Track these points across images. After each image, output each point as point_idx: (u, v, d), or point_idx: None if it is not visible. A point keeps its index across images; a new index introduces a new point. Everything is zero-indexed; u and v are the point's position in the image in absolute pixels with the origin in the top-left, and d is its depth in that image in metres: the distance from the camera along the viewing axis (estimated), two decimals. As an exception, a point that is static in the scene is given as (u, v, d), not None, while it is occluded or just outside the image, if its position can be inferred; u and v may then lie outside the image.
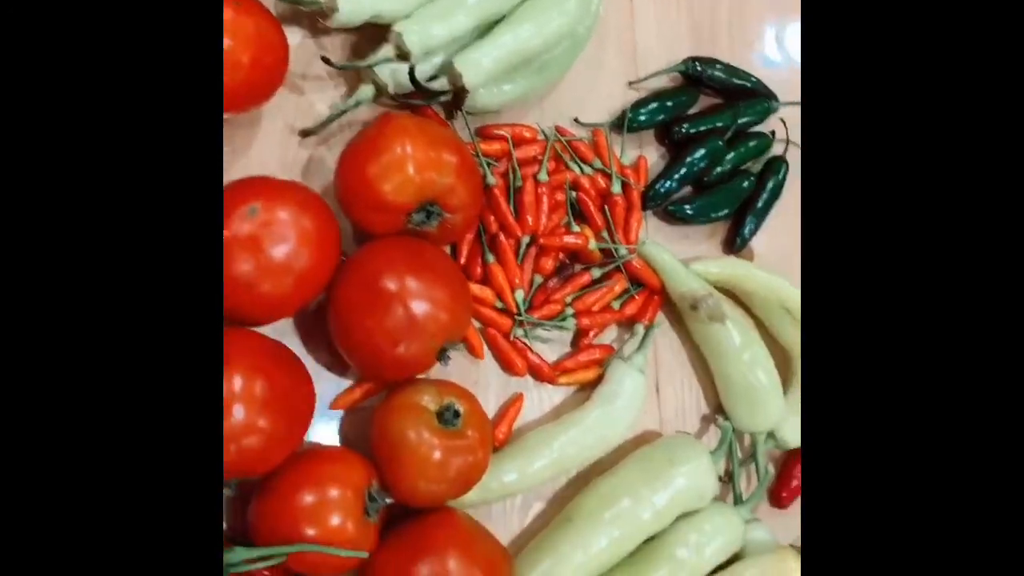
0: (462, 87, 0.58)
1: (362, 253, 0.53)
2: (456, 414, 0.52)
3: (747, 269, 0.69)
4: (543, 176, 0.62)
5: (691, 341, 0.69)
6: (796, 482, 0.69)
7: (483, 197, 0.59)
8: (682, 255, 0.67)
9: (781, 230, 0.73)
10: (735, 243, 0.71)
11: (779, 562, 0.61)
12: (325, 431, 0.57)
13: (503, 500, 0.61)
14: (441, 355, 0.53)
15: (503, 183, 0.62)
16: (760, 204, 0.71)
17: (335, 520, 0.49)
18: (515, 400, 0.62)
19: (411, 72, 0.56)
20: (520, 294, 0.61)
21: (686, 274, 0.66)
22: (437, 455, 0.51)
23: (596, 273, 0.64)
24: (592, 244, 0.63)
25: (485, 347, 0.61)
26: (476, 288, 0.60)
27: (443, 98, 0.60)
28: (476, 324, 0.61)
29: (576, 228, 0.63)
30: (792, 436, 0.68)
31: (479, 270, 0.61)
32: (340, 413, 0.58)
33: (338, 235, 0.53)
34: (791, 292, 0.68)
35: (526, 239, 0.61)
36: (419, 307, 0.51)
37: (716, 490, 0.63)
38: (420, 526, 0.52)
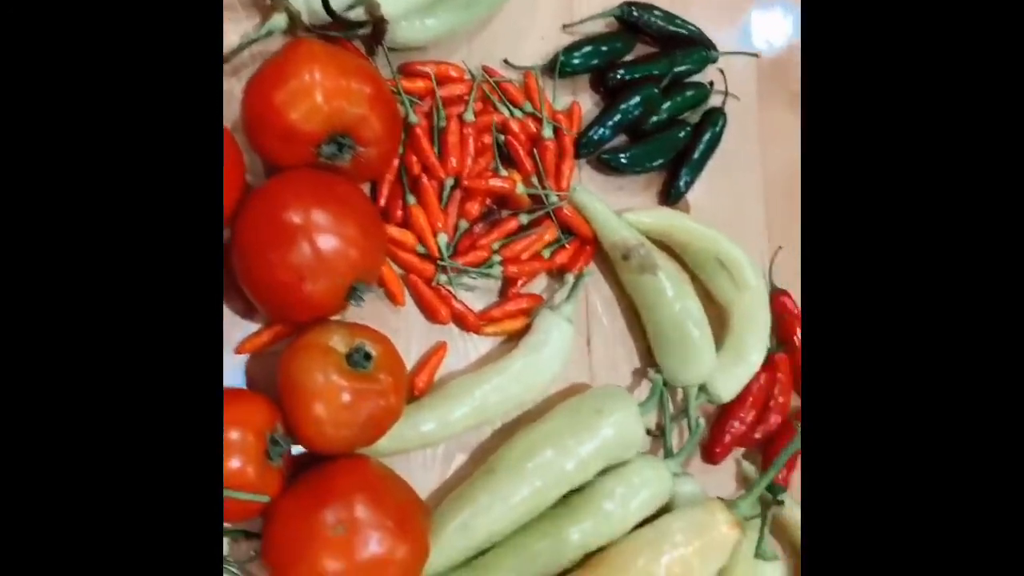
0: (380, 17, 0.55)
1: (267, 186, 0.50)
2: (367, 356, 0.50)
3: (682, 220, 0.67)
4: (469, 116, 0.60)
5: (623, 293, 0.67)
6: (728, 437, 0.69)
7: (401, 133, 0.56)
8: (616, 206, 0.66)
9: (718, 184, 0.72)
10: (670, 195, 0.69)
11: (707, 514, 0.60)
12: (231, 379, 0.54)
13: (424, 451, 0.59)
14: (352, 295, 0.50)
15: (426, 123, 0.59)
16: (696, 156, 0.70)
17: (234, 463, 0.46)
18: (437, 349, 0.59)
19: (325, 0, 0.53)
20: (443, 238, 0.58)
21: (618, 223, 0.64)
22: (345, 397, 0.48)
23: (524, 219, 0.62)
24: (520, 188, 0.61)
25: (407, 294, 0.59)
26: (396, 231, 0.58)
27: (362, 31, 0.57)
28: (397, 270, 0.59)
29: (504, 172, 0.61)
30: (725, 390, 0.67)
31: (399, 213, 0.58)
32: (246, 358, 0.55)
33: (242, 167, 0.50)
34: (726, 245, 0.67)
35: (450, 181, 0.59)
36: (326, 242, 0.48)
37: (643, 442, 0.62)
38: (327, 472, 0.50)
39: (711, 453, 0.69)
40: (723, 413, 0.70)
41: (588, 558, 0.58)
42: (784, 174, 0.75)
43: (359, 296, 0.50)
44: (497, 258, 0.61)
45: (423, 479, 0.58)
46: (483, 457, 0.59)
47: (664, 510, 0.61)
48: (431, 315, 0.59)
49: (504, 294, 0.63)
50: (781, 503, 0.67)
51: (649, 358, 0.67)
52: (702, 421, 0.66)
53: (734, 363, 0.67)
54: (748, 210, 0.74)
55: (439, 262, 0.59)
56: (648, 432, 0.67)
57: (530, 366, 0.59)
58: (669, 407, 0.67)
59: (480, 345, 0.62)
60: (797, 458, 0.70)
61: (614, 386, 0.64)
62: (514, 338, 0.62)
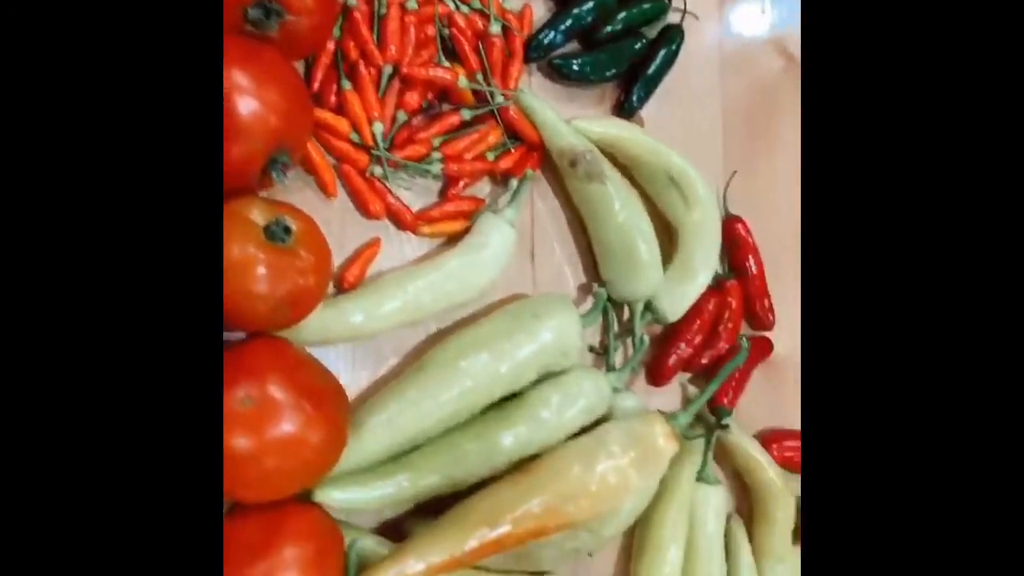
0: None
1: (186, 46, 0.48)
2: (286, 230, 0.47)
3: (632, 132, 0.65)
4: (411, 5, 0.57)
5: (571, 205, 0.65)
6: (674, 359, 0.67)
7: (336, 10, 0.53)
8: (567, 117, 0.63)
9: (674, 105, 0.70)
10: (623, 110, 0.67)
11: (644, 425, 0.58)
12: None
13: (353, 350, 0.57)
14: (272, 167, 0.48)
15: (367, 9, 0.57)
16: (651, 71, 0.68)
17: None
18: (370, 244, 0.57)
19: None
20: (379, 127, 0.56)
21: (566, 129, 0.62)
22: (261, 270, 0.46)
23: (467, 115, 0.59)
24: (463, 82, 0.58)
25: (339, 185, 0.57)
26: (329, 116, 0.55)
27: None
28: (331, 160, 0.57)
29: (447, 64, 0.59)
30: (671, 309, 0.66)
31: (333, 98, 0.55)
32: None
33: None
34: (678, 162, 0.65)
35: (388, 69, 0.56)
36: (244, 104, 0.45)
37: (582, 353, 0.60)
38: (242, 349, 0.47)
39: (656, 375, 0.67)
40: (669, 335, 0.68)
41: (521, 464, 0.56)
42: (744, 104, 0.74)
43: (280, 170, 0.48)
44: (437, 155, 0.58)
45: (353, 377, 0.56)
46: (416, 359, 0.57)
47: (602, 422, 0.60)
48: (363, 207, 0.57)
49: (444, 196, 0.60)
50: (725, 427, 0.66)
51: (595, 274, 0.65)
52: (646, 338, 0.65)
53: (681, 281, 0.66)
54: (704, 135, 0.72)
55: (374, 152, 0.56)
56: (591, 349, 0.66)
57: (467, 266, 0.57)
58: (614, 325, 0.65)
59: (417, 248, 0.60)
60: (744, 380, 0.68)
61: (555, 293, 0.62)
62: (452, 242, 0.60)
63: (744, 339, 0.64)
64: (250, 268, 0.45)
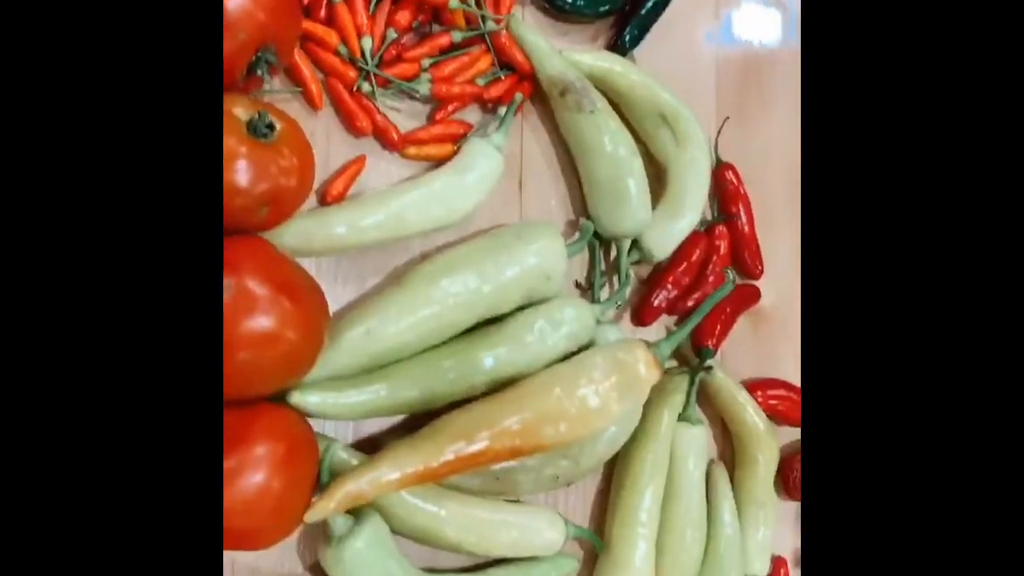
0: None
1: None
2: (270, 126, 0.47)
3: (624, 66, 0.65)
4: (404, -78, 0.57)
5: (560, 140, 0.65)
6: (660, 300, 0.67)
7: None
8: (559, 52, 0.63)
9: (668, 48, 0.69)
10: (616, 48, 0.67)
11: (626, 352, 0.57)
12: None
13: (336, 267, 0.56)
14: (258, 64, 0.47)
15: (359, -76, 0.57)
16: (646, 10, 0.67)
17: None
18: (355, 161, 0.57)
19: None
20: (368, 42, 0.55)
21: (558, 58, 0.62)
22: (241, 163, 0.45)
23: (458, 37, 0.59)
24: (454, 3, 0.58)
25: (325, 99, 0.56)
26: (318, 27, 0.55)
27: None
28: (318, 74, 0.56)
29: (438, -14, 0.58)
30: (658, 248, 0.65)
31: (323, 12, 0.55)
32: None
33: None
34: (669, 99, 0.65)
35: (379, -15, 0.56)
36: (231, -3, 0.45)
37: (566, 282, 0.59)
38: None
39: (641, 314, 0.67)
40: (656, 276, 0.68)
41: (501, 388, 0.56)
42: (740, 52, 0.74)
43: (266, 69, 0.48)
44: (427, 76, 0.58)
45: (334, 294, 0.56)
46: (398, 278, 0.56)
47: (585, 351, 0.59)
48: (350, 123, 0.56)
49: (432, 120, 0.60)
50: (709, 368, 0.66)
51: (583, 211, 0.65)
52: (632, 273, 0.64)
53: (669, 220, 0.65)
54: (698, 80, 0.72)
55: (362, 67, 0.56)
56: (577, 285, 0.65)
57: (453, 187, 0.57)
58: (599, 261, 0.65)
59: (403, 170, 0.59)
60: (729, 324, 0.68)
61: (540, 220, 0.61)
62: (439, 166, 0.59)
63: (730, 271, 0.64)
64: (230, 160, 0.45)
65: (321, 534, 0.51)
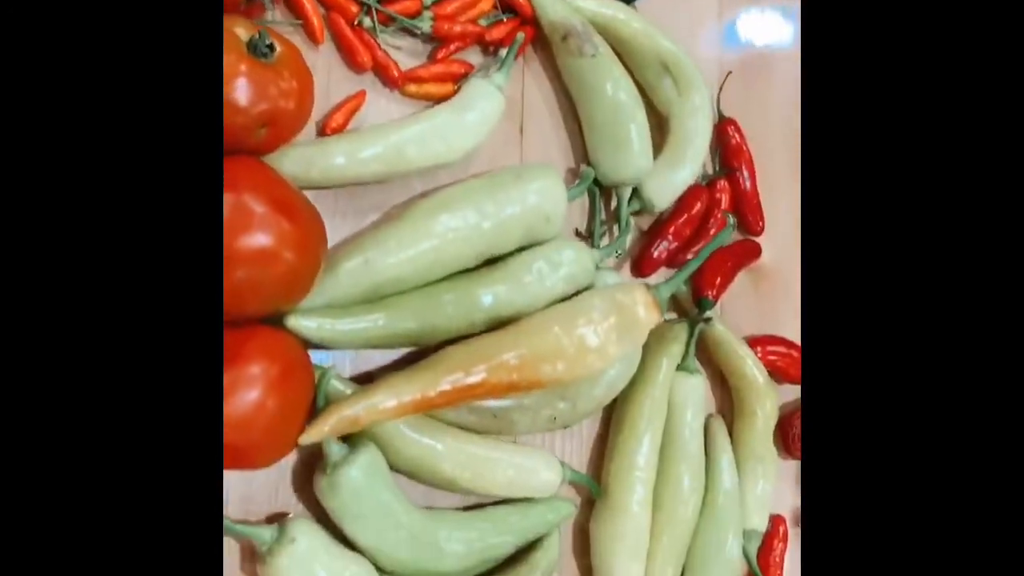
0: None
1: None
2: (270, 47, 0.47)
3: (627, 12, 0.65)
4: None
5: (562, 87, 0.64)
6: (660, 251, 0.66)
7: None
8: (561, 1, 0.63)
9: (670, 1, 0.69)
10: (620, -1, 0.67)
11: (626, 294, 0.57)
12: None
13: (336, 201, 0.56)
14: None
15: None
16: (649, -39, 0.67)
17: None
18: (355, 95, 0.56)
19: None
20: (370, -24, 0.55)
21: (561, 3, 0.62)
22: (240, 81, 0.45)
23: (459, -25, 0.59)
24: (457, -59, 0.58)
25: (326, 33, 0.56)
26: (320, -40, 0.55)
27: None
28: (320, 10, 0.56)
29: (441, -76, 0.58)
30: (658, 197, 0.65)
31: (326, -56, 0.55)
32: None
33: None
34: (671, 47, 0.65)
35: (381, -81, 0.56)
36: (231, -89, 0.45)
37: (566, 227, 0.59)
38: (216, 163, 0.46)
39: (641, 265, 0.66)
40: (656, 227, 0.67)
41: (500, 326, 0.55)
42: (745, 7, 0.73)
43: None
44: (428, 14, 0.58)
45: (333, 227, 0.55)
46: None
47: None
48: (350, 58, 0.56)
49: (433, 59, 0.60)
50: (708, 320, 0.65)
51: (585, 158, 0.65)
52: (632, 220, 0.64)
53: (670, 169, 0.65)
54: (700, 32, 0.72)
55: (364, 1, 0.56)
56: (577, 233, 0.65)
57: (453, 124, 0.56)
58: (600, 209, 0.64)
59: (403, 108, 0.59)
60: (730, 277, 0.68)
61: (539, 162, 0.61)
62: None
63: (730, 216, 0.63)
64: (230, 78, 0.45)
65: (317, 465, 0.51)
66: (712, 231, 0.68)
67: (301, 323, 0.49)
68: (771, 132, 0.73)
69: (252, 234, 0.44)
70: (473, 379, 0.51)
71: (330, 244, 0.54)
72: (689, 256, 0.67)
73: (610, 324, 0.55)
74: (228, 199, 0.44)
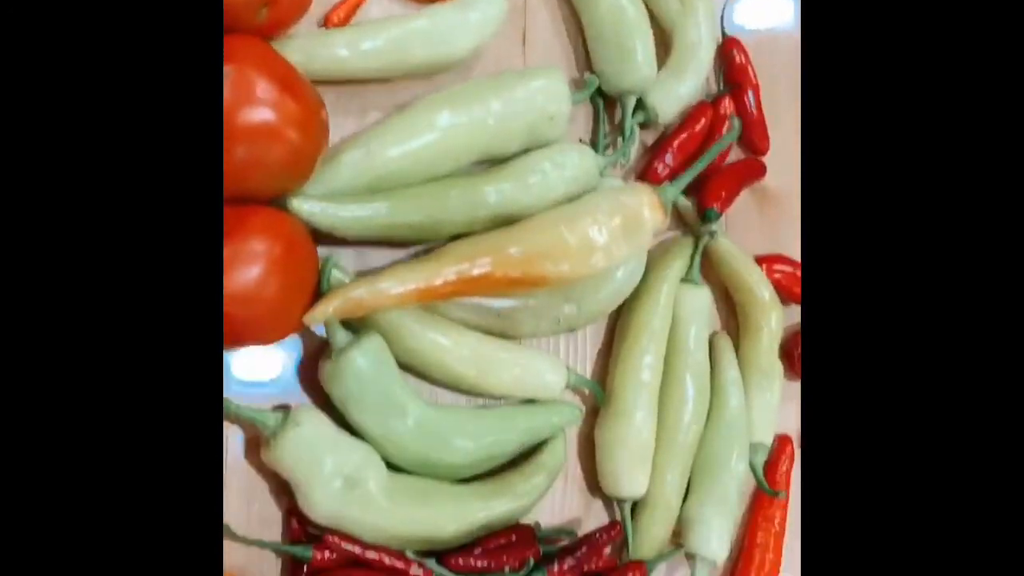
0: None
1: None
2: (269, -76, 0.46)
3: (629, -79, 0.64)
4: None
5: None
6: (664, 165, 0.65)
7: None
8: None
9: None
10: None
11: (631, 195, 0.56)
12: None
13: (337, 96, 0.55)
14: None
15: None
16: None
17: None
18: (359, -9, 0.56)
19: None
20: None
21: (562, -92, 0.61)
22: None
23: None
24: None
25: (328, -71, 0.55)
26: None
27: None
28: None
29: None
30: (662, 108, 0.64)
31: None
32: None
33: None
34: (676, -40, 0.64)
35: None
36: None
37: (568, 129, 0.58)
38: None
39: (645, 179, 0.66)
40: (661, 141, 0.67)
41: (503, 224, 0.55)
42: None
43: None
44: (430, -89, 0.57)
45: (335, 122, 0.53)
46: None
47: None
48: (352, -46, 0.56)
49: (435, -36, 0.59)
50: (713, 233, 0.65)
51: (588, 68, 0.64)
52: (636, 128, 0.64)
53: (674, 79, 0.64)
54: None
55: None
56: (580, 143, 0.64)
57: (456, 23, 0.56)
58: (603, 120, 0.64)
59: (405, 10, 0.58)
60: (735, 191, 0.67)
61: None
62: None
63: (735, 119, 0.63)
64: (229, -49, 0.44)
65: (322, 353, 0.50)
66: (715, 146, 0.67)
67: (304, 206, 0.48)
68: (776, 52, 0.72)
69: (255, 109, 0.44)
70: (478, 271, 0.50)
71: (332, 140, 0.54)
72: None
73: (615, 224, 0.55)
74: (229, 71, 0.43)
